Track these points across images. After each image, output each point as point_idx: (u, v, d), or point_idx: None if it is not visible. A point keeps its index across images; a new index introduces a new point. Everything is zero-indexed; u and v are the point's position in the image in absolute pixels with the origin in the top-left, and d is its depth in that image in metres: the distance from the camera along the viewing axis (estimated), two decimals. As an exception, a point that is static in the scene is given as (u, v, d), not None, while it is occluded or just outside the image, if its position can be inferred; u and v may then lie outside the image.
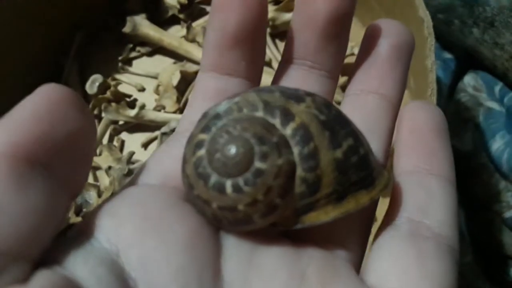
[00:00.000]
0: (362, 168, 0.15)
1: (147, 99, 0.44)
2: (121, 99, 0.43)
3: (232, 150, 0.14)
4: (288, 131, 0.14)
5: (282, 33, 0.45)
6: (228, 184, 0.14)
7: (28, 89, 0.13)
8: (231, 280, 0.14)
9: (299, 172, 0.14)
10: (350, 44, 0.42)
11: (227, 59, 0.17)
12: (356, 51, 0.18)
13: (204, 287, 0.13)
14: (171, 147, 0.17)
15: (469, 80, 0.44)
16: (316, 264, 0.14)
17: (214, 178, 0.14)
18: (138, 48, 0.46)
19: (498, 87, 0.44)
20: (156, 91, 0.44)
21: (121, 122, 0.43)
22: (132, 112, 0.41)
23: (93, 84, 0.42)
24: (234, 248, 0.14)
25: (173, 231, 0.14)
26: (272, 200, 0.14)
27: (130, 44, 0.46)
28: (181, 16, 0.46)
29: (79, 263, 0.12)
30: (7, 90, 0.38)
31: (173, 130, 0.40)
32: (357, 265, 0.16)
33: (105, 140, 0.43)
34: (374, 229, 0.17)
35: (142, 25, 0.45)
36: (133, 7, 0.46)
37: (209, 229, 0.14)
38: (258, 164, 0.13)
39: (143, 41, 0.46)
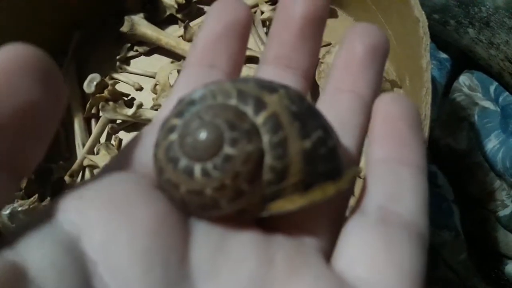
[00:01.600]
0: (330, 159, 0.15)
1: (145, 98, 0.44)
2: (118, 98, 0.43)
3: (202, 134, 0.14)
4: (259, 119, 0.14)
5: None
6: (197, 168, 0.14)
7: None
8: (199, 266, 0.14)
9: (268, 159, 0.14)
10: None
11: (211, 52, 0.18)
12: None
13: (170, 272, 0.13)
14: (145, 135, 0.17)
15: (465, 79, 0.45)
16: (285, 252, 0.15)
17: (183, 161, 0.14)
18: (135, 48, 0.46)
19: (493, 86, 0.44)
20: (154, 90, 0.44)
21: (118, 121, 0.43)
22: (130, 111, 0.42)
23: (90, 83, 0.42)
24: (203, 234, 0.14)
25: (138, 214, 0.13)
26: (239, 186, 0.14)
27: (128, 43, 0.46)
28: (179, 15, 0.46)
29: (32, 247, 0.12)
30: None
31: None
32: (328, 253, 0.16)
33: (102, 139, 0.43)
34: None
35: (140, 24, 0.45)
36: (131, 6, 0.46)
37: (178, 214, 0.14)
38: (227, 149, 0.14)
39: (140, 41, 0.46)
